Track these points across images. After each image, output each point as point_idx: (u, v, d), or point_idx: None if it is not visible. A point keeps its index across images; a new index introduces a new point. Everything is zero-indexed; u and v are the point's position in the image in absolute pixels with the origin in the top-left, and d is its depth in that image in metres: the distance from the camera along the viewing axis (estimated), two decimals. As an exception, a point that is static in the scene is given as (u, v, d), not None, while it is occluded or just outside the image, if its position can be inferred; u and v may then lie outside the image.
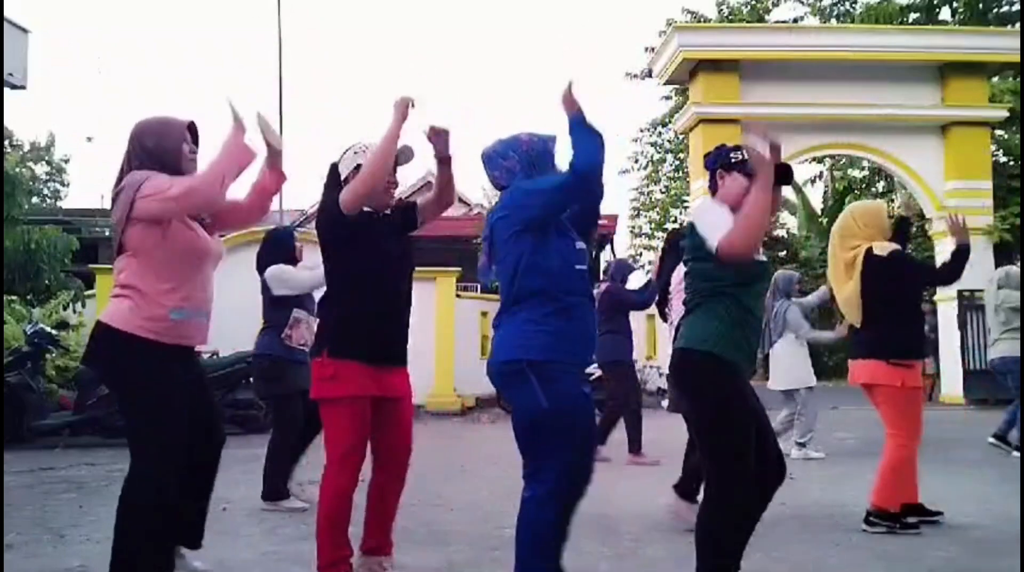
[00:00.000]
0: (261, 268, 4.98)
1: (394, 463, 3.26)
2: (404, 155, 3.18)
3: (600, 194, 2.94)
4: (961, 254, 4.38)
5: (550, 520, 2.71)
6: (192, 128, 2.96)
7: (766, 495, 2.99)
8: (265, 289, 4.98)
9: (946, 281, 4.92)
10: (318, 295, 3.50)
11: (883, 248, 4.19)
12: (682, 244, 3.47)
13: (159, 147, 2.84)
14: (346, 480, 3.09)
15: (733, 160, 3.02)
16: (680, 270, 4.95)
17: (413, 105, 3.06)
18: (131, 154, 2.85)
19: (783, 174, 2.98)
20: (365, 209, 3.14)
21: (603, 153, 2.73)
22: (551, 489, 2.69)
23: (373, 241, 3.14)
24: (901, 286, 4.21)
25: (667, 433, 7.19)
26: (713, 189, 3.10)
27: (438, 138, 3.11)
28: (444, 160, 3.18)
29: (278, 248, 5.06)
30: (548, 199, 2.74)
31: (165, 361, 2.77)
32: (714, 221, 2.90)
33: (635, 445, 6.81)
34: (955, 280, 4.56)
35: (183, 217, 2.80)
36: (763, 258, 3.03)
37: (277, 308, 4.93)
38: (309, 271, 4.88)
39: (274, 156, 3.09)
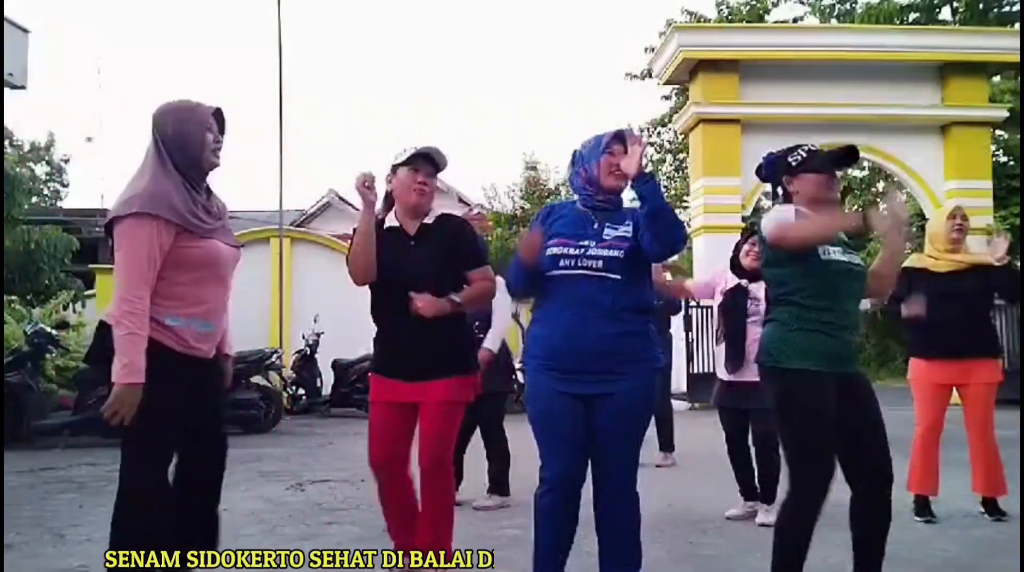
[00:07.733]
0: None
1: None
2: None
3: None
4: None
5: None
6: (219, 115, 2.78)
7: (870, 496, 3.18)
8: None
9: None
10: None
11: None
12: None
13: (179, 134, 2.68)
14: None
15: (795, 163, 2.98)
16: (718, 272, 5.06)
17: (369, 185, 3.11)
18: (155, 141, 2.70)
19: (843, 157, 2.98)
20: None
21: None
22: None
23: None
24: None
25: (687, 432, 7.26)
26: (786, 197, 3.02)
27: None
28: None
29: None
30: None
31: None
32: (775, 216, 2.93)
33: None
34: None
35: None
36: (836, 257, 2.87)
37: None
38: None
39: None
